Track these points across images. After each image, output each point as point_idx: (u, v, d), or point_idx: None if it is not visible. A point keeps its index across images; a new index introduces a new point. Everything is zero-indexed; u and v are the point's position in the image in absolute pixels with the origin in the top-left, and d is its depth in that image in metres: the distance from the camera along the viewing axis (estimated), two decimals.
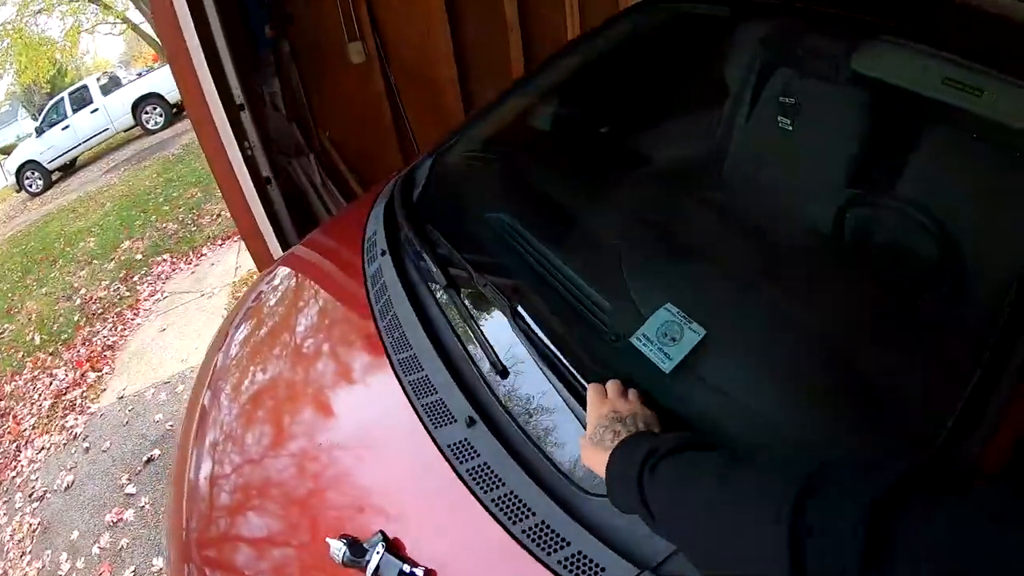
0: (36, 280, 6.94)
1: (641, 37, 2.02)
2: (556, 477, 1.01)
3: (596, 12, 3.88)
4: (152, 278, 5.66)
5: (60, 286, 6.40)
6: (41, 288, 6.58)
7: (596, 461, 0.89)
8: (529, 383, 1.15)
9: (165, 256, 5.99)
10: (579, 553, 0.90)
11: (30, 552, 3.12)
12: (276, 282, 1.91)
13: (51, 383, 4.55)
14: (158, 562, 2.76)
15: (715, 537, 0.67)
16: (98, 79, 13.43)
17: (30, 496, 3.50)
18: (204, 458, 1.47)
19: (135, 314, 5.10)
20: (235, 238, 5.61)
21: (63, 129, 12.49)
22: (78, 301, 5.81)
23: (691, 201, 1.73)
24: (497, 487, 1.01)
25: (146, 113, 12.75)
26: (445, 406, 1.15)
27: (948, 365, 1.10)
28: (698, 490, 0.71)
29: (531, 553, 0.93)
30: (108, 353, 4.63)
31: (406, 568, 0.98)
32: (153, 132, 12.74)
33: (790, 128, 1.66)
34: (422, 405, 1.18)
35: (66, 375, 4.56)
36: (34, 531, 3.24)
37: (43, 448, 3.85)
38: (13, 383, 4.82)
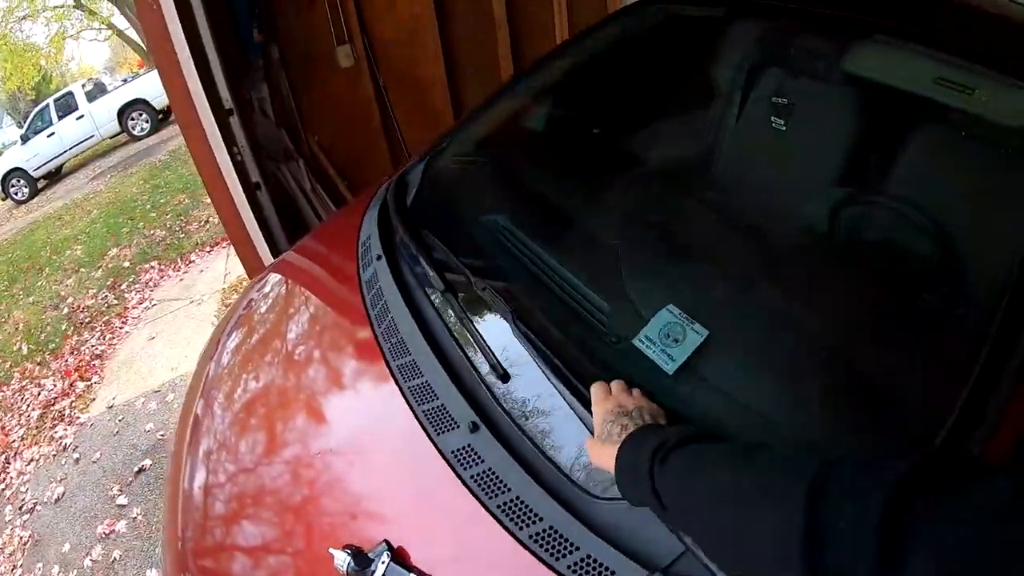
0: (23, 289, 6.88)
1: (634, 38, 2.02)
2: (562, 481, 1.00)
3: (584, 10, 3.89)
4: (140, 286, 5.62)
5: (47, 295, 6.34)
6: (28, 297, 6.51)
7: (605, 456, 0.88)
8: (531, 387, 1.14)
9: (153, 263, 5.94)
10: (588, 557, 0.89)
11: (21, 565, 3.08)
12: (267, 289, 1.89)
13: (39, 393, 4.49)
14: (152, 574, 2.72)
15: (727, 528, 0.66)
16: (83, 85, 13.35)
17: (20, 508, 3.45)
18: (199, 468, 1.45)
19: (123, 322, 5.05)
20: (224, 244, 5.58)
21: (48, 136, 12.40)
22: (65, 310, 5.75)
23: (687, 202, 1.73)
24: (502, 492, 1.00)
25: (132, 119, 12.67)
26: (447, 412, 1.14)
27: (947, 364, 1.10)
28: (709, 481, 0.70)
29: (539, 559, 0.92)
30: (97, 362, 4.59)
31: None
32: (139, 138, 12.67)
33: (783, 128, 1.66)
34: (423, 411, 1.17)
35: (54, 385, 4.51)
36: (25, 544, 3.20)
37: (32, 459, 3.80)
38: (1, 394, 4.76)
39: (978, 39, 1.41)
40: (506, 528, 0.96)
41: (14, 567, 3.09)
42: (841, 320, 1.27)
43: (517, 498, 0.99)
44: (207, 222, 6.52)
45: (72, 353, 4.89)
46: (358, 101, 3.80)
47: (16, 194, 12.51)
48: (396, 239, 1.60)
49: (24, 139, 12.62)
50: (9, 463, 3.90)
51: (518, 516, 0.97)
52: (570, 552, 0.91)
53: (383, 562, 0.98)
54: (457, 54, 4.00)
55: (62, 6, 18.24)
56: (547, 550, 0.92)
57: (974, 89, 1.26)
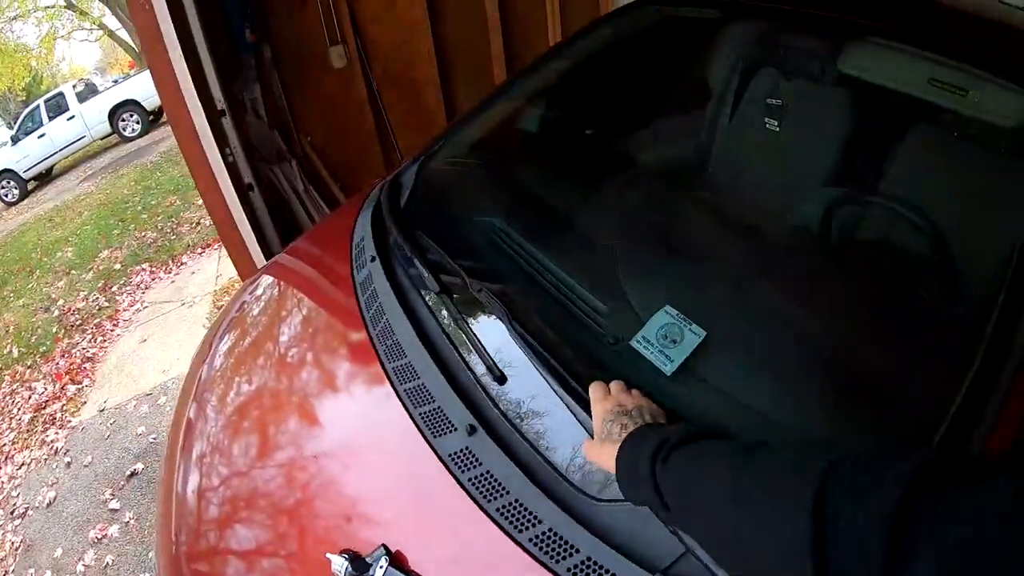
0: (13, 291, 6.83)
1: (628, 40, 2.01)
2: (561, 483, 1.00)
3: (577, 12, 3.90)
4: (131, 288, 5.58)
5: (38, 297, 6.30)
6: (18, 300, 6.47)
7: (605, 455, 0.87)
8: (528, 388, 1.13)
9: (144, 265, 5.91)
10: (589, 559, 0.89)
11: (13, 571, 3.05)
12: (260, 291, 1.88)
13: (30, 397, 4.46)
14: None
15: (731, 528, 0.65)
16: (74, 86, 13.28)
17: (11, 513, 3.43)
18: (193, 471, 1.44)
19: (115, 325, 5.02)
20: (215, 246, 5.56)
21: (39, 137, 12.31)
22: (56, 312, 5.71)
23: (683, 203, 1.73)
24: (501, 495, 0.99)
25: (123, 120, 12.60)
26: (444, 414, 1.13)
27: (944, 362, 1.09)
28: (712, 480, 0.70)
29: (539, 562, 0.91)
30: (88, 365, 4.56)
31: None
32: (130, 139, 12.60)
33: (777, 129, 1.66)
34: (419, 414, 1.16)
35: (45, 388, 4.47)
36: (17, 549, 3.17)
37: (23, 464, 3.77)
38: None
39: (970, 41, 1.41)
40: (505, 531, 0.96)
41: (6, 572, 3.06)
42: (838, 319, 1.27)
43: (516, 501, 0.98)
44: (198, 224, 6.49)
45: (63, 356, 4.86)
46: (351, 102, 3.79)
47: (6, 196, 12.42)
48: (390, 240, 1.59)
49: (14, 140, 12.52)
50: (0, 468, 3.86)
51: (517, 519, 0.96)
52: (570, 554, 0.90)
53: (381, 567, 0.97)
54: (450, 56, 3.99)
55: (53, 6, 18.15)
56: (547, 553, 0.91)
57: (967, 90, 1.27)
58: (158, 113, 12.53)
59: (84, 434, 3.79)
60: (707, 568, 0.83)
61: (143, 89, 12.15)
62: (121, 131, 12.67)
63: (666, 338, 1.11)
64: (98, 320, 5.20)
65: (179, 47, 2.47)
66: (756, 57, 1.79)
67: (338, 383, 1.42)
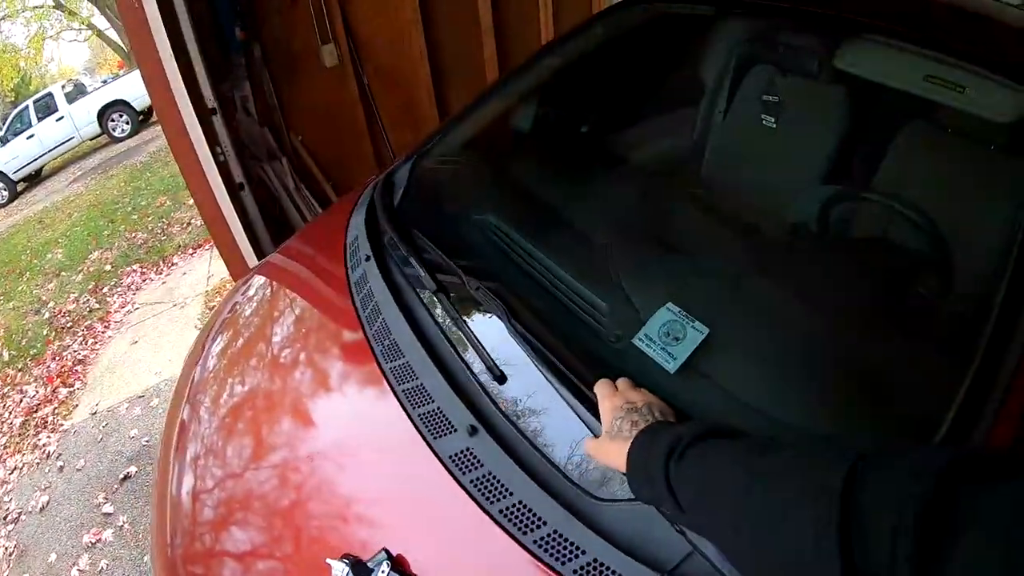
0: (3, 294, 6.76)
1: (624, 37, 2.00)
2: (565, 484, 0.98)
3: (570, 13, 3.89)
4: (122, 289, 5.54)
5: (28, 299, 6.24)
6: (8, 302, 6.40)
7: (614, 453, 0.86)
8: (530, 388, 1.12)
9: (135, 266, 5.86)
10: (595, 561, 0.88)
11: None
12: (253, 292, 1.86)
13: (21, 400, 4.41)
14: None
15: (751, 526, 0.63)
16: (63, 87, 13.16)
17: (4, 518, 3.38)
18: (187, 474, 1.42)
19: (106, 327, 4.98)
20: (206, 246, 5.52)
21: (28, 138, 12.21)
22: (47, 315, 5.66)
23: (681, 200, 1.72)
24: (504, 497, 0.98)
25: (112, 121, 12.51)
26: (443, 415, 1.11)
27: (947, 356, 1.10)
28: (730, 478, 0.68)
29: (545, 564, 0.90)
30: (79, 368, 4.51)
31: None
32: (120, 140, 12.51)
33: (774, 126, 1.66)
34: (419, 415, 1.14)
35: (37, 391, 4.43)
36: (10, 555, 3.13)
37: (15, 468, 3.73)
38: None
39: (964, 37, 1.41)
40: (509, 533, 0.94)
41: None
42: (838, 316, 1.27)
43: (520, 502, 0.96)
44: (189, 224, 6.46)
45: (54, 359, 4.81)
46: (342, 101, 3.77)
47: None
48: (385, 239, 1.58)
49: (3, 141, 12.40)
50: None
51: (521, 521, 0.95)
52: (576, 556, 0.89)
53: (383, 571, 0.96)
54: (443, 55, 3.98)
55: (41, 6, 18.03)
56: (552, 555, 0.90)
57: (964, 87, 1.28)
58: (148, 113, 12.46)
59: (76, 437, 3.75)
60: (714, 567, 0.83)
61: (132, 89, 12.06)
62: (110, 131, 12.58)
63: (668, 335, 1.10)
64: (89, 322, 5.16)
65: (169, 46, 2.45)
66: (751, 54, 1.79)
67: (334, 384, 1.40)
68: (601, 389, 0.97)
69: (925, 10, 1.57)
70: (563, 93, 2.10)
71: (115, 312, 5.16)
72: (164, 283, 5.36)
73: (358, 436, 1.28)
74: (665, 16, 1.99)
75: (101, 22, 18.67)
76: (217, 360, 1.67)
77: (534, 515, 0.94)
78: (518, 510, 0.96)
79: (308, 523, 1.15)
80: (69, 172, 12.23)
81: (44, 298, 6.09)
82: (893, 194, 1.39)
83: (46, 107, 12.48)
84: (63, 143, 12.55)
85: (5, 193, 12.22)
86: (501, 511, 0.97)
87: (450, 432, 1.08)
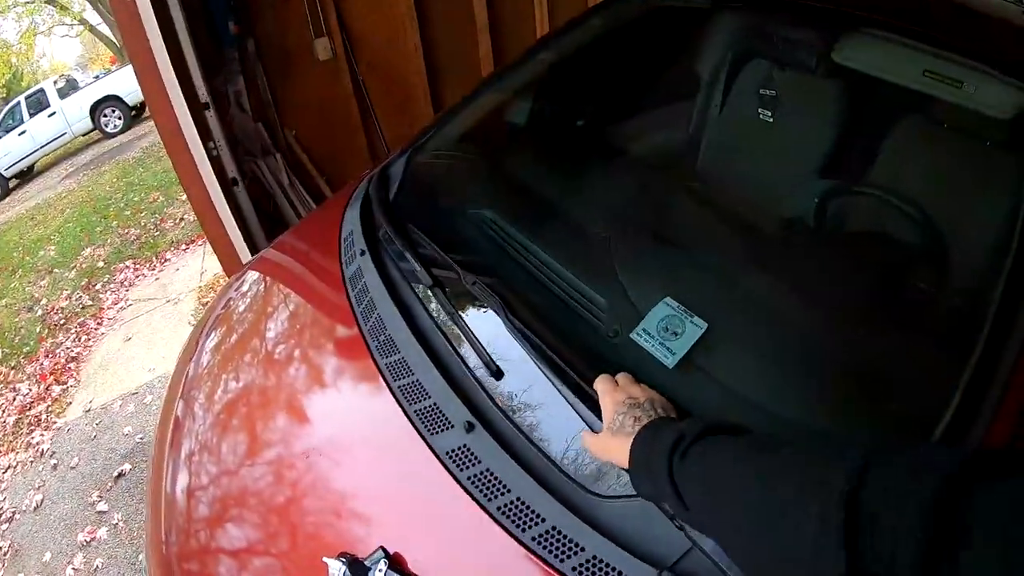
0: None
1: (621, 30, 1.99)
2: (563, 480, 0.97)
3: (566, 8, 3.87)
4: (115, 286, 5.51)
5: (20, 297, 6.21)
6: (0, 300, 6.37)
7: (615, 448, 0.85)
8: (527, 383, 1.11)
9: (128, 262, 5.84)
10: (594, 558, 0.87)
11: None
12: (247, 287, 1.84)
13: (14, 398, 4.39)
14: None
15: (755, 523, 0.63)
16: (55, 82, 13.10)
17: None
18: (182, 471, 1.40)
19: (99, 323, 4.95)
20: (200, 242, 5.50)
21: (20, 135, 12.15)
22: (39, 312, 5.63)
23: (679, 194, 1.71)
24: (502, 494, 0.97)
25: (105, 116, 12.46)
26: (440, 411, 1.10)
27: (946, 351, 1.10)
28: (734, 475, 0.67)
29: (544, 561, 0.89)
30: (72, 365, 4.49)
31: None
32: (112, 135, 12.45)
33: (771, 120, 1.66)
34: (415, 411, 1.13)
35: (30, 389, 4.40)
36: (4, 554, 3.11)
37: (9, 467, 3.71)
38: None
39: (963, 33, 1.41)
40: (507, 530, 0.93)
41: None
42: (836, 310, 1.26)
43: (518, 499, 0.96)
44: (182, 219, 6.43)
45: (47, 356, 4.79)
46: (336, 95, 3.75)
47: None
48: (380, 234, 1.56)
49: None
50: None
51: (519, 518, 0.94)
52: (575, 553, 0.88)
53: (380, 570, 0.95)
54: (437, 50, 3.96)
55: (33, 1, 17.91)
56: (551, 552, 0.89)
57: (962, 82, 1.27)
58: (140, 108, 12.43)
59: (70, 435, 3.73)
60: (714, 563, 0.82)
61: (125, 84, 12.00)
62: (103, 127, 12.52)
63: (667, 330, 1.09)
64: (82, 319, 5.13)
65: (161, 40, 2.44)
66: (748, 48, 1.78)
67: (329, 380, 1.39)
68: (602, 384, 0.96)
69: (923, 5, 1.56)
70: (559, 87, 2.08)
71: (108, 309, 5.14)
72: (157, 279, 5.34)
73: (353, 433, 1.27)
74: (661, 9, 1.98)
75: (93, 17, 18.58)
76: (211, 356, 1.66)
77: (532, 512, 0.94)
78: (516, 507, 0.95)
79: (304, 521, 1.14)
80: (61, 168, 12.17)
81: (37, 295, 6.07)
82: (892, 189, 1.39)
83: (38, 103, 12.42)
84: (55, 139, 12.50)
85: None
86: (499, 508, 0.96)
87: (447, 428, 1.07)
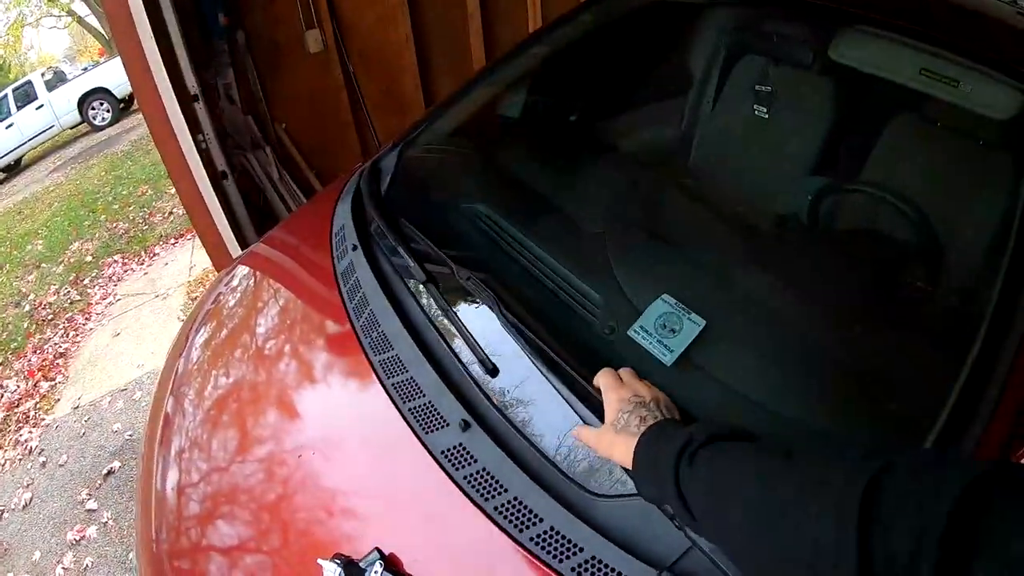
0: None
1: (615, 24, 1.97)
2: (561, 479, 0.96)
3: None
4: (103, 280, 5.47)
5: (8, 292, 6.15)
6: None
7: (618, 446, 0.84)
8: (523, 381, 1.09)
9: (116, 257, 5.79)
10: (593, 558, 0.86)
11: None
12: (236, 282, 1.82)
13: (2, 395, 4.34)
14: None
15: (766, 534, 0.62)
16: (43, 74, 12.99)
17: None
18: (172, 468, 1.39)
19: (87, 319, 4.91)
20: (188, 236, 5.46)
21: (7, 128, 12.03)
22: (27, 307, 5.57)
23: (675, 190, 1.70)
24: (499, 494, 0.96)
25: (93, 109, 12.35)
26: (435, 409, 1.08)
27: (944, 349, 1.10)
28: (744, 483, 0.66)
29: (542, 561, 0.88)
30: (61, 361, 4.45)
31: None
32: (100, 128, 12.35)
33: (766, 116, 1.66)
34: (409, 409, 1.11)
35: (18, 386, 4.36)
36: None
37: None
38: None
39: (960, 32, 1.41)
40: (505, 531, 0.92)
41: None
42: (840, 307, 1.26)
43: (515, 499, 0.94)
44: (171, 213, 6.39)
45: (35, 352, 4.74)
46: (327, 87, 3.72)
47: None
48: (372, 228, 1.54)
49: None
50: None
51: (517, 518, 0.93)
52: (574, 553, 0.87)
53: (375, 571, 0.93)
54: (429, 41, 3.93)
55: None
56: (549, 552, 0.88)
57: (958, 81, 1.28)
58: (129, 101, 12.34)
59: (59, 432, 3.70)
60: (713, 563, 0.81)
61: (113, 77, 11.92)
62: (91, 120, 12.42)
63: (664, 327, 1.08)
64: (70, 314, 5.08)
65: (150, 31, 2.41)
66: (743, 43, 1.78)
67: (321, 378, 1.37)
68: (605, 378, 0.94)
69: (921, 5, 1.56)
70: (553, 81, 2.07)
71: (96, 304, 5.09)
72: (146, 274, 5.29)
73: (346, 431, 1.25)
74: (656, 4, 1.96)
75: (81, 8, 18.41)
76: (201, 352, 1.64)
77: (530, 512, 0.92)
78: (513, 507, 0.94)
79: (298, 521, 1.12)
80: (49, 161, 12.06)
81: (24, 290, 6.01)
82: (887, 186, 1.39)
83: (25, 95, 12.30)
84: (43, 132, 12.39)
85: None
86: (496, 508, 0.94)
87: (442, 427, 1.06)
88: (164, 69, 2.48)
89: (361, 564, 0.95)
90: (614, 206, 1.59)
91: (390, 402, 1.14)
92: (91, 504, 3.07)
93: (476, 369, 1.14)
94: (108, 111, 12.40)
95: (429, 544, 1.00)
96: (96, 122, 12.41)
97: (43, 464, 3.49)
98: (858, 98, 1.53)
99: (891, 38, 1.39)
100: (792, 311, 1.27)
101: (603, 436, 0.88)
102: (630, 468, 0.81)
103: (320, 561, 0.96)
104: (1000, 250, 1.09)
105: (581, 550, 0.87)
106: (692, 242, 1.49)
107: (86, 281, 5.60)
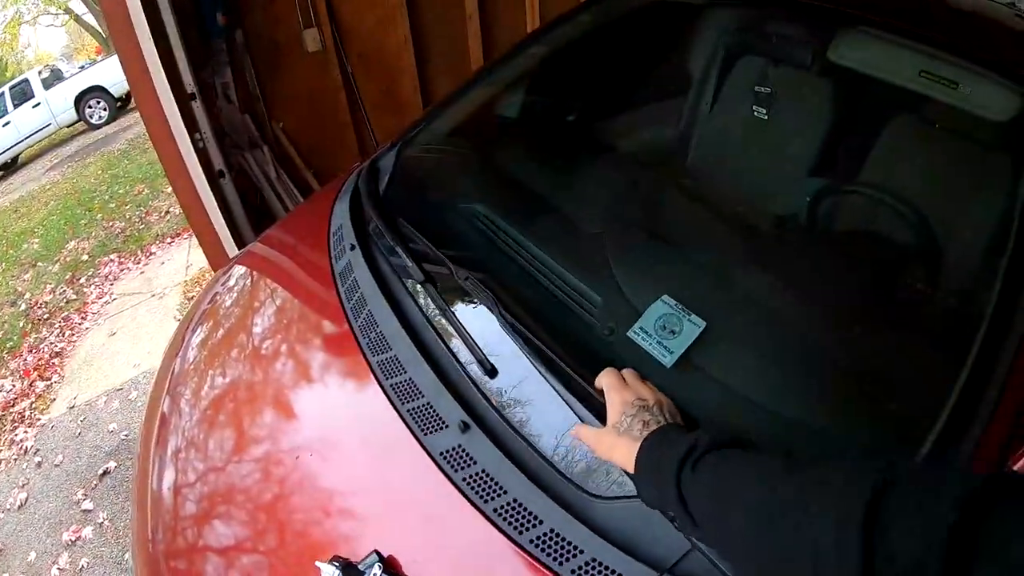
0: None
1: (616, 24, 1.97)
2: (561, 481, 0.95)
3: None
4: (100, 279, 5.45)
5: (4, 291, 6.13)
6: None
7: (620, 450, 0.83)
8: (522, 382, 1.09)
9: (112, 256, 5.78)
10: (594, 560, 0.85)
11: None
12: (233, 282, 1.81)
13: None
14: None
15: (768, 536, 0.61)
16: (40, 72, 12.96)
17: None
18: (168, 468, 1.38)
19: (83, 318, 4.89)
20: (185, 235, 5.45)
21: (3, 126, 12.01)
22: (23, 306, 5.56)
23: (675, 191, 1.70)
24: (499, 495, 0.95)
25: (90, 107, 12.35)
26: (434, 410, 1.08)
27: (944, 351, 1.09)
28: (747, 489, 0.66)
29: (542, 564, 0.87)
30: (56, 360, 4.43)
31: None
32: (97, 127, 12.34)
33: (766, 117, 1.65)
34: (407, 410, 1.10)
35: (13, 385, 4.35)
36: None
37: None
38: None
39: (959, 34, 1.41)
40: (504, 533, 0.91)
41: None
42: (841, 308, 1.25)
43: (514, 500, 0.94)
44: (168, 212, 6.37)
45: (31, 351, 4.73)
46: (325, 87, 3.72)
47: None
48: (370, 228, 1.54)
49: None
50: None
51: (516, 520, 0.92)
52: (574, 556, 0.86)
53: (374, 574, 0.93)
54: (427, 41, 3.93)
55: None
56: (550, 555, 0.88)
57: (958, 83, 1.27)
58: (126, 99, 12.33)
59: (54, 432, 3.68)
60: (713, 564, 0.81)
61: (110, 75, 11.92)
62: (88, 118, 12.41)
63: (664, 329, 1.07)
64: (66, 313, 5.07)
65: (148, 30, 2.41)
66: (743, 44, 1.77)
67: (319, 378, 1.37)
68: (608, 378, 0.94)
69: (921, 6, 1.56)
70: (551, 82, 2.06)
71: (92, 303, 5.08)
72: (142, 273, 5.28)
73: (344, 432, 1.24)
74: (655, 4, 1.96)
75: (78, 6, 18.38)
76: (197, 352, 1.63)
77: (530, 514, 0.92)
78: (513, 509, 0.93)
79: (295, 523, 1.12)
80: (46, 160, 12.04)
81: (20, 289, 5.99)
82: (887, 188, 1.38)
83: (22, 93, 12.28)
84: (40, 130, 12.38)
85: None
86: (495, 510, 0.94)
87: (441, 428, 1.05)
88: (162, 68, 2.47)
89: (360, 567, 0.94)
90: (613, 206, 1.59)
91: (388, 403, 1.13)
92: (87, 504, 3.06)
93: (475, 370, 1.13)
94: (105, 109, 12.40)
95: (428, 546, 0.99)
96: (93, 120, 12.40)
97: (39, 464, 3.48)
98: (857, 99, 1.52)
99: (891, 40, 1.40)
100: (792, 312, 1.27)
101: (604, 438, 0.87)
102: (631, 472, 0.81)
103: (318, 563, 0.95)
104: (999, 251, 1.09)
105: (581, 552, 0.86)
106: (691, 243, 1.49)
107: (82, 280, 5.58)
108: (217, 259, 3.03)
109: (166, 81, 2.50)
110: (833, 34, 1.49)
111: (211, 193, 2.84)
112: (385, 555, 0.95)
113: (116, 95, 12.29)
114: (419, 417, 1.08)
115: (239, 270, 1.83)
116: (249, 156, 3.41)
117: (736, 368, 1.11)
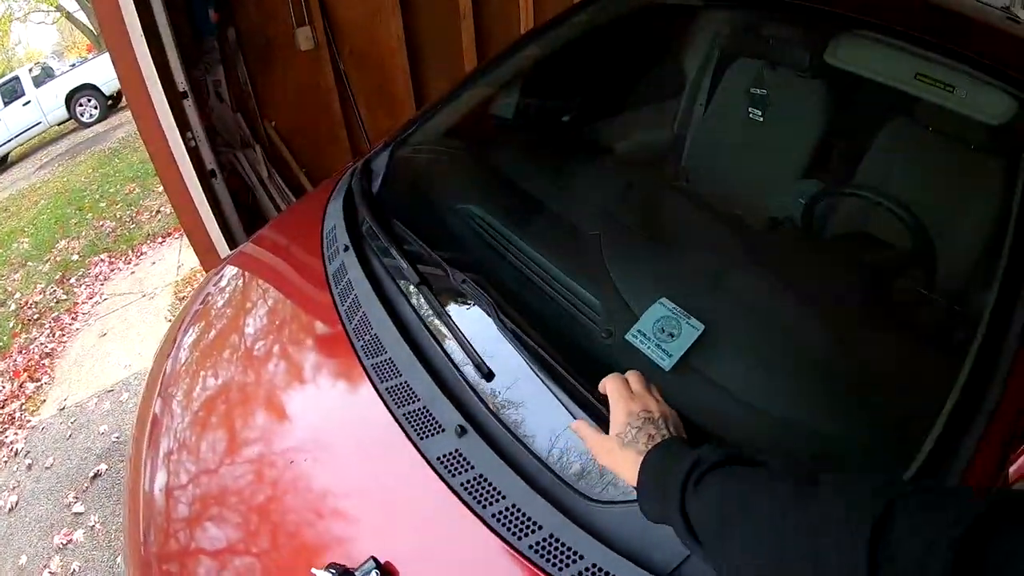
0: None
1: (611, 26, 1.97)
2: (560, 486, 0.95)
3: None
4: (90, 279, 5.41)
5: None
6: None
7: (623, 461, 0.82)
8: (520, 385, 1.08)
9: (103, 256, 5.73)
10: (593, 566, 0.85)
11: None
12: (225, 283, 1.79)
13: None
14: None
15: (773, 553, 0.61)
16: (30, 70, 12.87)
17: None
18: (160, 470, 1.36)
19: (73, 318, 4.85)
20: (176, 235, 5.41)
21: None
22: (13, 306, 5.51)
23: (668, 191, 1.70)
24: (497, 500, 0.94)
25: (81, 105, 12.26)
26: (430, 414, 1.07)
27: (944, 355, 1.11)
28: (752, 506, 0.65)
29: (541, 569, 0.87)
30: (46, 361, 4.39)
31: None
32: (88, 125, 12.26)
33: (761, 119, 1.66)
34: (403, 414, 1.09)
35: (3, 387, 4.30)
36: None
37: None
38: None
39: (957, 39, 1.41)
40: (503, 538, 0.91)
41: None
42: (839, 310, 1.26)
43: (513, 506, 0.93)
44: (159, 212, 6.32)
45: (21, 352, 4.68)
46: (318, 86, 3.70)
47: None
48: (364, 228, 1.52)
49: None
50: None
51: (515, 525, 0.91)
52: (574, 561, 0.86)
53: None
54: (420, 40, 3.92)
55: None
56: (549, 560, 0.87)
57: (954, 87, 1.29)
58: (117, 98, 12.25)
59: (45, 434, 3.65)
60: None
61: (102, 73, 11.83)
62: (79, 116, 12.33)
63: (663, 332, 1.07)
64: (56, 314, 5.02)
65: (140, 28, 2.38)
66: (738, 47, 1.78)
67: (312, 381, 1.35)
68: (614, 384, 0.91)
69: (917, 10, 1.57)
70: (546, 82, 2.06)
71: (83, 303, 5.03)
72: (133, 273, 5.24)
73: (339, 436, 1.23)
74: (650, 5, 1.95)
75: (70, 3, 18.29)
76: (189, 354, 1.61)
77: (529, 519, 0.91)
78: (512, 514, 0.92)
79: (291, 529, 1.10)
80: (36, 158, 11.95)
81: (10, 289, 5.94)
82: (883, 190, 1.39)
83: (12, 91, 12.18)
84: (30, 128, 12.28)
85: None
86: (494, 515, 0.93)
87: (437, 432, 1.04)
88: (153, 66, 2.45)
89: (357, 573, 0.93)
90: (608, 208, 1.58)
91: (384, 407, 1.12)
92: (78, 507, 3.03)
93: (471, 373, 1.12)
94: (96, 108, 12.32)
95: (425, 552, 0.98)
96: (84, 119, 12.32)
97: (29, 466, 3.44)
98: (853, 102, 1.53)
99: (887, 43, 1.40)
100: (790, 314, 1.27)
101: (606, 445, 0.86)
102: (633, 484, 0.80)
103: (314, 570, 0.94)
104: (994, 253, 1.10)
105: (581, 557, 0.86)
106: (687, 245, 1.48)
107: (72, 280, 5.54)
108: (208, 259, 3.01)
109: (157, 79, 2.47)
110: (829, 37, 1.49)
111: (202, 193, 2.82)
112: (382, 561, 0.94)
113: (107, 93, 12.21)
114: (415, 421, 1.07)
115: (231, 271, 1.82)
116: (241, 155, 3.39)
117: (735, 370, 1.10)
